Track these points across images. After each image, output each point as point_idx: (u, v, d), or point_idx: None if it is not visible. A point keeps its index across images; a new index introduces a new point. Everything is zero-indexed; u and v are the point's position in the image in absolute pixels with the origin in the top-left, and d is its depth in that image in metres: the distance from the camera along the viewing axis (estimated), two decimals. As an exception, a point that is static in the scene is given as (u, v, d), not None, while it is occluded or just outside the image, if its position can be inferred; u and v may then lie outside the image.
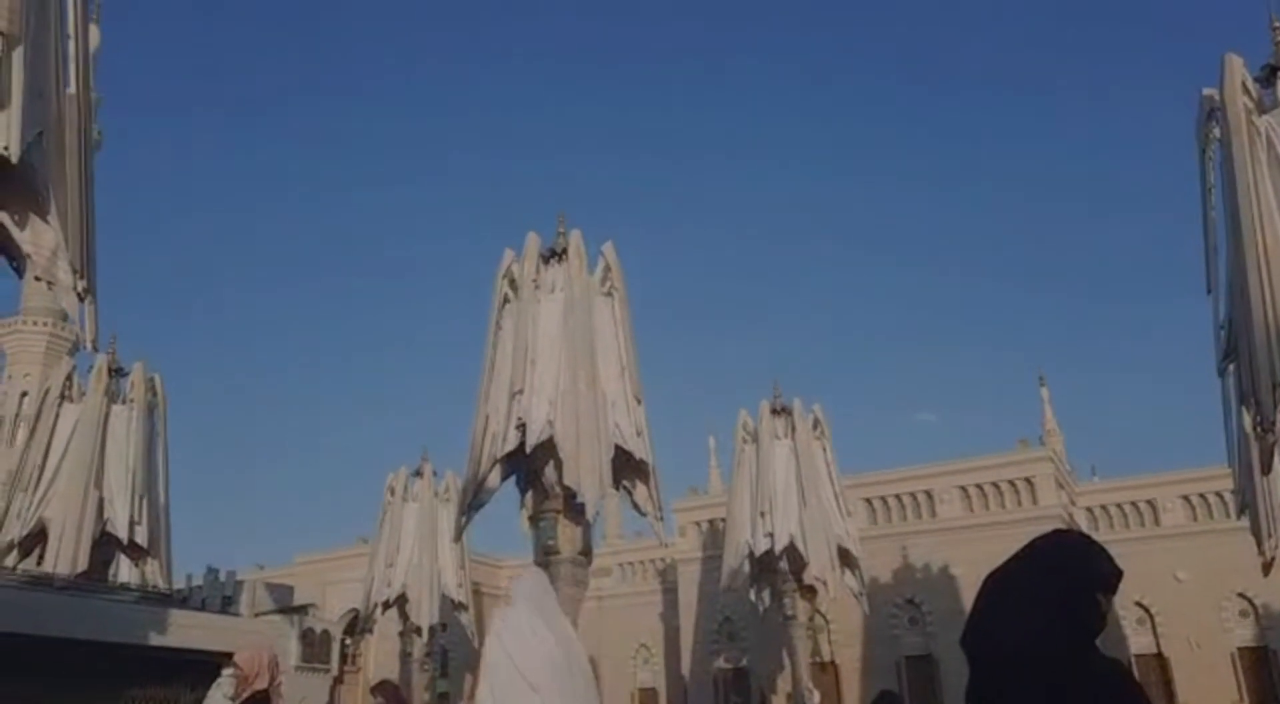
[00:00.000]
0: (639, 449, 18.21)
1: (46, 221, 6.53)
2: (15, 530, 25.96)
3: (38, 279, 6.52)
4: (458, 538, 19.35)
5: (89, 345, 7.43)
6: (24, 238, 6.57)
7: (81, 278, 6.53)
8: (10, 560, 25.88)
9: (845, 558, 30.82)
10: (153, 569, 27.03)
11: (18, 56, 6.35)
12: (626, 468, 18.35)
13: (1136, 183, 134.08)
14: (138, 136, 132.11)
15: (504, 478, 18.49)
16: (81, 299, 6.62)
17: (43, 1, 6.78)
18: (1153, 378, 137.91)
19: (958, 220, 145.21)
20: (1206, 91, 17.30)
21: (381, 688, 10.17)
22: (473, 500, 18.54)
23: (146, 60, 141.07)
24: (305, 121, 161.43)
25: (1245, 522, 22.79)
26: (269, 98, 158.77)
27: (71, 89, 7.08)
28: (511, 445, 17.80)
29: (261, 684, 6.02)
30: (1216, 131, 17.04)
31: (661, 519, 18.90)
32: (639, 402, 18.57)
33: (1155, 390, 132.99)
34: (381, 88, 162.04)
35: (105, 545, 26.34)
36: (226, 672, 8.54)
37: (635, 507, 18.87)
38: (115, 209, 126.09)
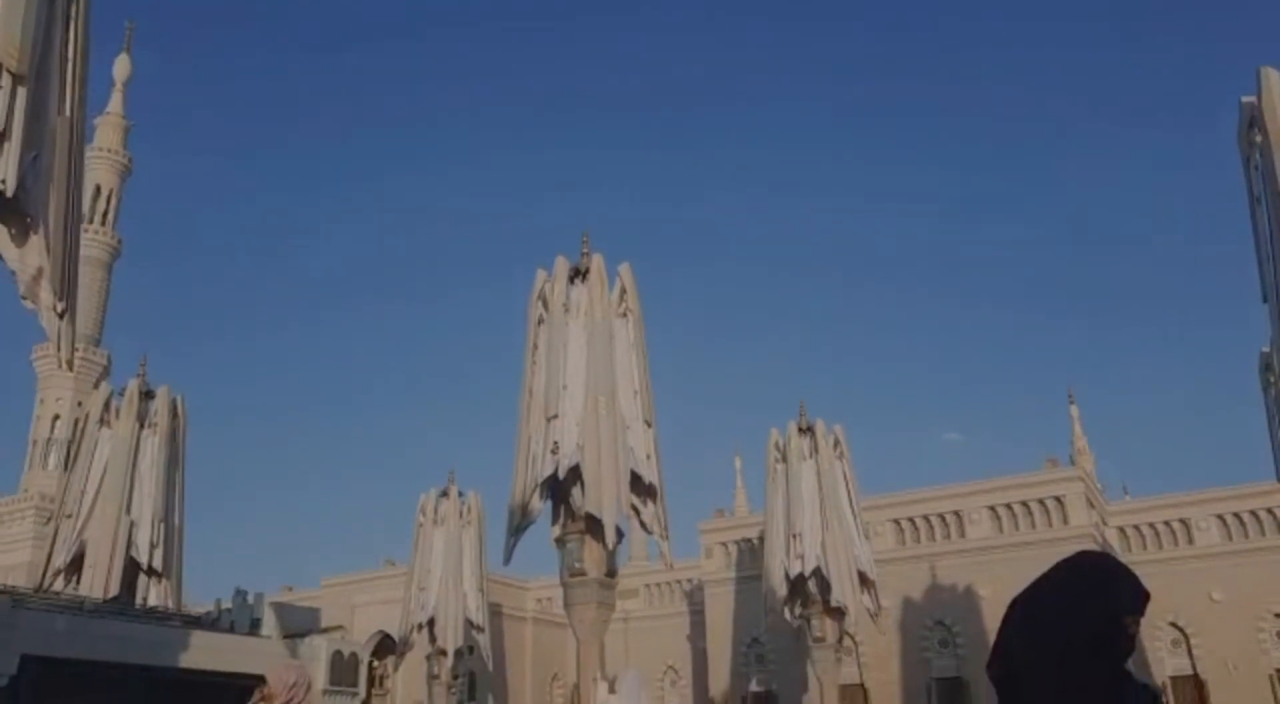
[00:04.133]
0: (648, 473, 18.28)
1: (33, 241, 6.62)
2: (61, 557, 26.46)
3: (23, 298, 6.61)
4: (507, 561, 19.41)
5: (64, 364, 7.65)
6: (12, 257, 6.66)
7: (61, 299, 6.62)
8: (59, 585, 26.33)
9: (863, 580, 30.52)
10: (165, 590, 27.16)
11: (22, 92, 6.45)
12: (637, 489, 18.39)
13: (1164, 199, 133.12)
14: (171, 167, 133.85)
15: (544, 499, 18.63)
16: (61, 318, 6.71)
17: (49, 31, 6.89)
18: (1183, 396, 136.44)
19: (984, 240, 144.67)
20: (1246, 99, 17.10)
21: None
22: (519, 523, 18.59)
23: (192, 95, 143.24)
24: (339, 157, 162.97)
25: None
26: (298, 130, 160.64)
27: (66, 112, 7.18)
28: (549, 469, 17.98)
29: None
30: (1259, 138, 16.86)
31: (667, 539, 18.91)
32: (649, 425, 18.62)
33: (1186, 408, 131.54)
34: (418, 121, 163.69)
35: (129, 568, 26.61)
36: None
37: (643, 526, 18.87)
38: (159, 237, 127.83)
